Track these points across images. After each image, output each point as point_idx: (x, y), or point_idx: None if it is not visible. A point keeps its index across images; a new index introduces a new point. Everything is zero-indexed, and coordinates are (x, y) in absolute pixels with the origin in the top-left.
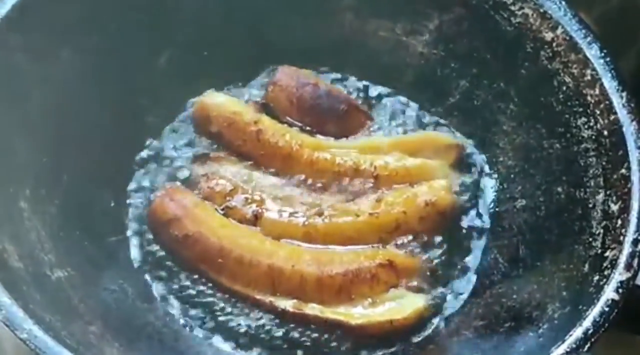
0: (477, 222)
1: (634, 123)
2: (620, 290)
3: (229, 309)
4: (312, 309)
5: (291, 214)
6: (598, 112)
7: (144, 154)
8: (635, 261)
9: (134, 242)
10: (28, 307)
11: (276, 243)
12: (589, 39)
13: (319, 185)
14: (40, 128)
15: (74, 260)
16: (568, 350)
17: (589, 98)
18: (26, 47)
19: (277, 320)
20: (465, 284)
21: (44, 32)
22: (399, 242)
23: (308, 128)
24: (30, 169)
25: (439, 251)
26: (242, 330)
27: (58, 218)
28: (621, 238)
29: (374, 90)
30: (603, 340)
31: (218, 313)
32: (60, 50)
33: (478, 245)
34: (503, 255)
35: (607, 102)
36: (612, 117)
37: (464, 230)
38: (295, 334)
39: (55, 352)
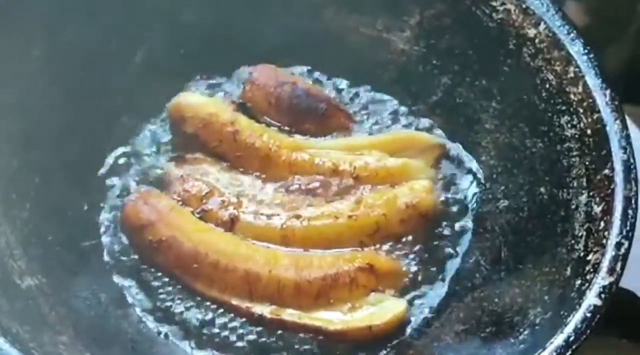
0: (459, 224)
1: (618, 122)
2: (603, 296)
3: (205, 316)
4: (290, 315)
5: (269, 217)
6: (581, 110)
7: (118, 156)
8: (619, 265)
9: (108, 247)
10: None
11: (253, 247)
12: (572, 35)
13: (298, 186)
14: (11, 130)
15: (45, 267)
16: None
17: (572, 96)
18: None
19: (254, 327)
20: (447, 288)
21: (15, 31)
22: (379, 245)
23: (286, 128)
24: (0, 172)
25: (420, 254)
26: (219, 337)
27: (29, 223)
28: (604, 241)
29: (354, 89)
30: (586, 343)
31: (194, 320)
32: (31, 50)
33: (460, 247)
34: (485, 258)
35: (590, 100)
36: (595, 116)
37: (445, 232)
38: (273, 340)
39: None
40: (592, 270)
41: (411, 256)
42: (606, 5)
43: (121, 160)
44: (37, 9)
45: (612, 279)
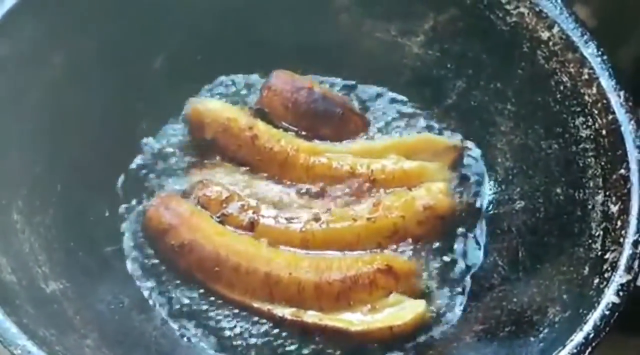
0: (476, 225)
1: (632, 122)
2: (621, 293)
3: (226, 318)
4: (311, 317)
5: (288, 220)
6: (596, 111)
7: (139, 161)
8: (636, 263)
9: (130, 251)
10: (22, 321)
11: (273, 250)
12: (585, 37)
13: (316, 190)
14: (33, 137)
15: (69, 272)
16: None
17: (586, 97)
18: (18, 54)
19: (275, 329)
20: (465, 288)
21: (37, 38)
22: (398, 246)
23: (304, 133)
24: (24, 179)
25: (438, 255)
26: (240, 339)
27: (52, 229)
28: (621, 239)
29: (370, 93)
30: (605, 341)
31: (215, 322)
32: (53, 57)
33: (477, 248)
34: (502, 258)
35: (604, 101)
36: (610, 117)
37: (462, 233)
38: (294, 342)
39: None
40: (609, 268)
41: (429, 257)
42: (614, 7)
43: (141, 166)
44: (59, 16)
45: (630, 276)
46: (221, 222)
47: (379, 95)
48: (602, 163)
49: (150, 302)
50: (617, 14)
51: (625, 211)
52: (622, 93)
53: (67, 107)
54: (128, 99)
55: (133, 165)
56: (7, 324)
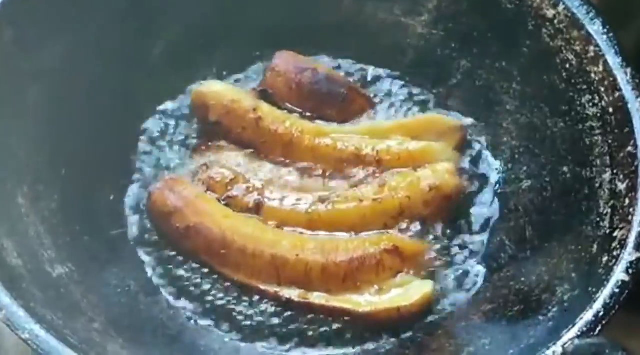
0: (483, 205)
1: (639, 100)
2: (631, 271)
3: (233, 300)
4: (318, 298)
5: (294, 202)
6: (602, 89)
7: (142, 145)
8: None
9: (135, 235)
10: (29, 306)
11: (279, 232)
12: (591, 15)
13: (321, 171)
14: (37, 123)
15: (75, 256)
16: (579, 334)
17: (592, 75)
18: (20, 42)
19: (282, 310)
20: (473, 268)
21: (38, 26)
22: (404, 227)
23: (308, 114)
24: (28, 164)
25: (445, 235)
26: (248, 321)
27: (57, 213)
28: (630, 217)
29: (374, 73)
30: (615, 320)
31: (222, 304)
32: (53, 45)
33: (484, 227)
34: (510, 238)
35: (611, 79)
36: (616, 94)
37: (469, 213)
38: (302, 324)
39: (58, 351)
40: (618, 246)
41: (436, 238)
42: None
43: (145, 150)
44: (59, 5)
45: (639, 254)
46: (227, 205)
47: (383, 76)
48: (609, 141)
49: (157, 285)
50: None
51: (633, 189)
52: (628, 70)
53: (69, 94)
54: (130, 85)
55: (137, 149)
56: (14, 308)
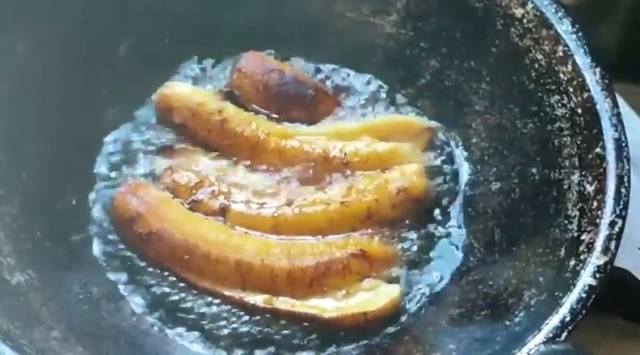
0: (451, 207)
1: (608, 100)
2: (598, 275)
3: (197, 307)
4: (284, 303)
5: (260, 205)
6: (571, 89)
7: (106, 148)
8: (612, 244)
9: (98, 240)
10: None
11: (244, 237)
12: (559, 14)
13: (288, 174)
14: None
15: (35, 263)
16: (545, 340)
17: (561, 75)
18: None
19: (247, 316)
20: (440, 272)
21: None
22: (372, 230)
23: (275, 115)
24: None
25: (413, 238)
26: (212, 327)
27: (18, 219)
28: (597, 220)
29: (342, 74)
30: (583, 323)
31: (187, 311)
32: (16, 45)
33: (453, 230)
34: (478, 240)
35: (580, 79)
36: (585, 95)
37: (437, 216)
38: (267, 329)
39: None
40: (586, 250)
41: (404, 241)
42: None
43: (109, 153)
44: (20, 3)
45: (606, 258)
46: (191, 209)
47: (351, 76)
48: (578, 142)
49: (119, 291)
50: None
51: (601, 191)
52: (597, 70)
53: (31, 95)
54: (94, 86)
55: (100, 153)
56: None
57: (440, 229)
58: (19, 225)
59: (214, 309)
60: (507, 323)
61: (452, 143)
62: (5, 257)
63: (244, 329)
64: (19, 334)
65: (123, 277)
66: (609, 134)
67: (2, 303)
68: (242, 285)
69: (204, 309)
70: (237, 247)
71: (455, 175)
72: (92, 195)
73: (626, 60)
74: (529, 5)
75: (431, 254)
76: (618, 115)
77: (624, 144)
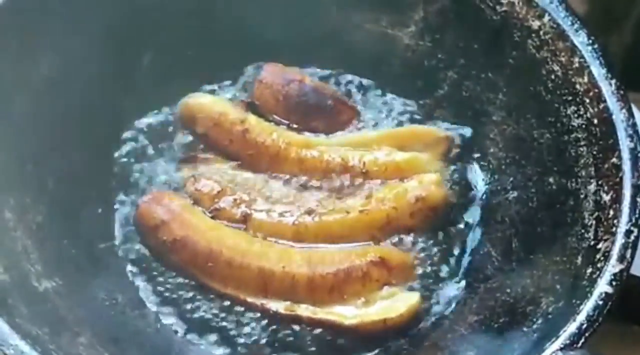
0: (469, 216)
1: (624, 111)
2: (614, 283)
3: (220, 313)
4: (305, 310)
5: (280, 214)
6: (587, 100)
7: (130, 158)
8: (629, 252)
9: (123, 248)
10: (14, 321)
11: (266, 244)
12: (576, 26)
13: (308, 183)
14: (23, 134)
15: (62, 270)
16: (562, 346)
17: (577, 86)
18: (5, 52)
19: (269, 323)
20: (459, 280)
21: (24, 37)
22: (391, 238)
23: (295, 126)
24: (14, 177)
25: (432, 246)
26: (235, 333)
27: (44, 227)
28: (613, 229)
29: (361, 85)
30: (599, 330)
31: (210, 318)
32: (40, 56)
33: (471, 239)
34: (496, 249)
35: (596, 90)
36: (601, 105)
37: (456, 224)
38: (288, 336)
39: None
40: (602, 258)
41: (423, 249)
42: None
43: (133, 162)
44: (45, 15)
45: (622, 266)
46: (213, 217)
47: (370, 87)
48: (594, 152)
49: (144, 298)
50: (608, 1)
51: (617, 200)
52: (613, 81)
53: (56, 107)
54: (117, 96)
55: (124, 162)
56: None
57: (458, 237)
58: (45, 233)
59: (237, 315)
60: (525, 330)
61: (470, 153)
62: (33, 265)
63: (266, 335)
64: (48, 340)
65: (147, 284)
66: (624, 144)
67: (30, 309)
68: (264, 292)
69: (226, 316)
70: (259, 254)
71: (473, 184)
72: (117, 204)
73: (636, 68)
74: (546, 18)
75: (449, 262)
76: (634, 125)
77: (639, 154)
